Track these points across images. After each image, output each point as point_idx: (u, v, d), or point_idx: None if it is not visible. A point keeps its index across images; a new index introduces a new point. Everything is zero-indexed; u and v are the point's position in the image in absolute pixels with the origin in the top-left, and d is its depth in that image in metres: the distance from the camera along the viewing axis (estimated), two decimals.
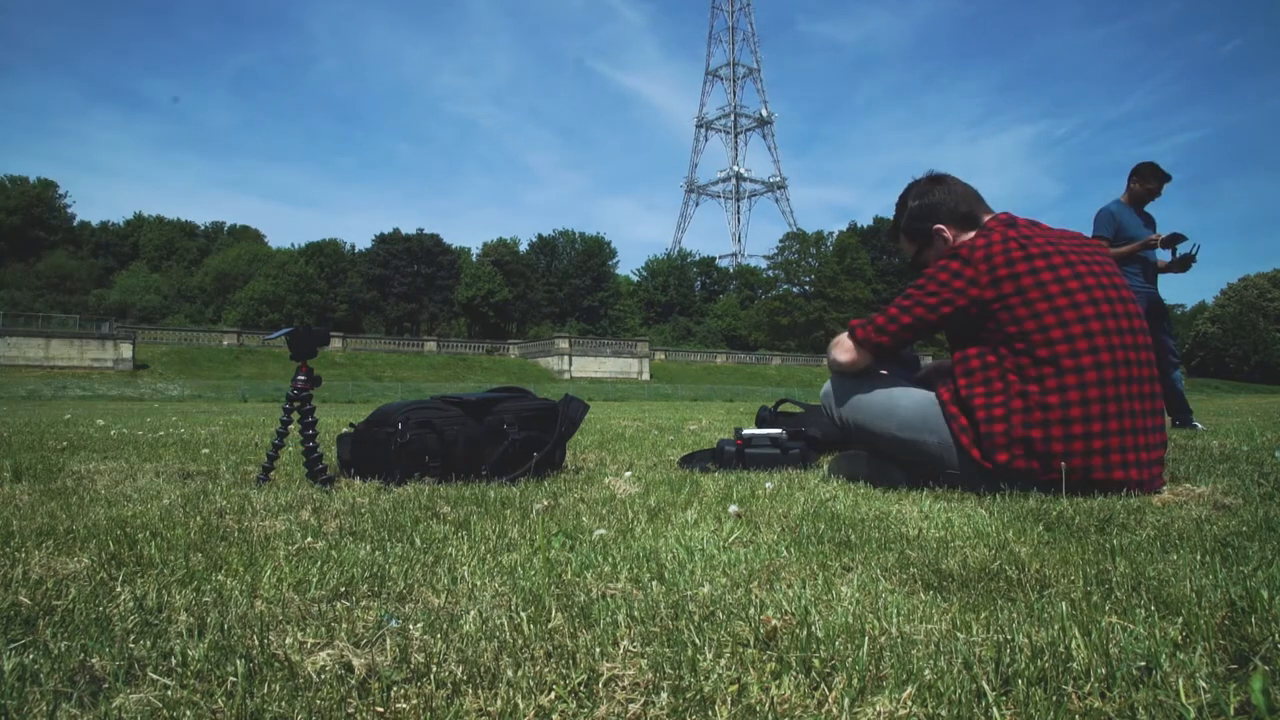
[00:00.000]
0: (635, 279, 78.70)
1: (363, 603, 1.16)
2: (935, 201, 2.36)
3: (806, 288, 72.41)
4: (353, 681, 0.85)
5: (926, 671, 0.84)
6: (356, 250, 69.32)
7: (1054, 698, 0.79)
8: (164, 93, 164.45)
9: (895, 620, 1.01)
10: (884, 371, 2.47)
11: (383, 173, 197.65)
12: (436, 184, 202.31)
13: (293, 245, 69.09)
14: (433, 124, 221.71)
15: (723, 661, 0.89)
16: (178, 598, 1.16)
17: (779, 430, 2.98)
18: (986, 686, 0.81)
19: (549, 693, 0.83)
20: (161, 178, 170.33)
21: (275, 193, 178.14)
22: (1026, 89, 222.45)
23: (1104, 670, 0.83)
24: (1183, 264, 5.27)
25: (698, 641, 0.95)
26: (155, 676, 0.87)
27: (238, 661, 0.88)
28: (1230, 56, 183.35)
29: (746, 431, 3.00)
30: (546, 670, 0.88)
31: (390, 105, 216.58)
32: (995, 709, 0.77)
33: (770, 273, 78.21)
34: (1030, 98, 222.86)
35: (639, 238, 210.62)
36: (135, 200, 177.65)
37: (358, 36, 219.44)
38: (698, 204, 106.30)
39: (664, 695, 0.82)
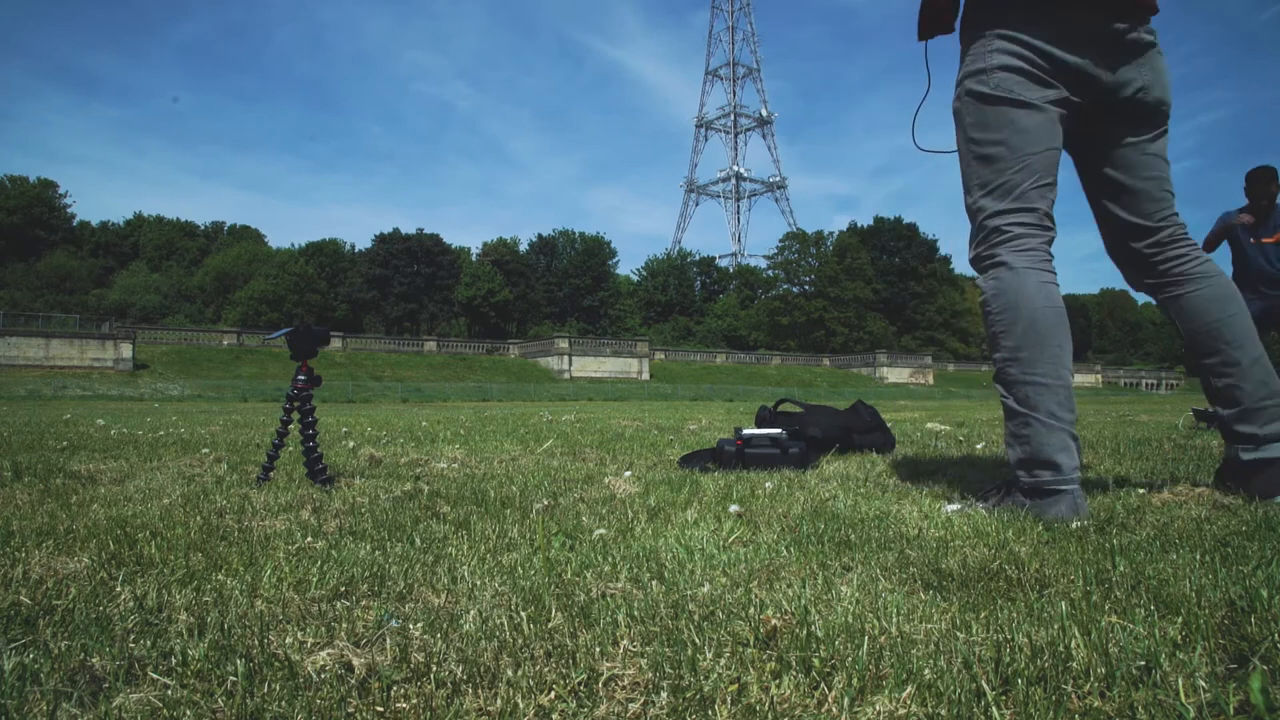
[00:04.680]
0: (635, 279, 78.72)
1: (363, 602, 1.16)
2: None
3: (806, 287, 72.40)
4: (353, 681, 0.85)
5: (926, 671, 0.84)
6: (356, 250, 69.46)
7: (1054, 697, 0.79)
8: (112, 68, 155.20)
9: (895, 620, 1.01)
10: None
11: (359, 161, 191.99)
12: (417, 173, 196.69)
13: (292, 245, 69.34)
14: (404, 107, 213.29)
15: (723, 661, 0.89)
16: (178, 597, 1.16)
17: (779, 430, 2.98)
18: (986, 686, 0.81)
19: (549, 692, 0.83)
20: (132, 167, 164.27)
21: (250, 183, 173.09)
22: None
23: (1104, 670, 0.83)
24: None
25: (698, 641, 0.95)
26: (155, 676, 0.87)
27: (238, 661, 0.88)
28: (1269, 24, 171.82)
29: (746, 431, 3.00)
30: (546, 670, 0.88)
31: (357, 85, 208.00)
32: (995, 708, 0.77)
33: (770, 272, 78.23)
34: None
35: (634, 230, 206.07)
36: (108, 191, 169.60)
37: (312, 5, 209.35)
38: (697, 204, 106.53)
39: (664, 695, 0.82)
